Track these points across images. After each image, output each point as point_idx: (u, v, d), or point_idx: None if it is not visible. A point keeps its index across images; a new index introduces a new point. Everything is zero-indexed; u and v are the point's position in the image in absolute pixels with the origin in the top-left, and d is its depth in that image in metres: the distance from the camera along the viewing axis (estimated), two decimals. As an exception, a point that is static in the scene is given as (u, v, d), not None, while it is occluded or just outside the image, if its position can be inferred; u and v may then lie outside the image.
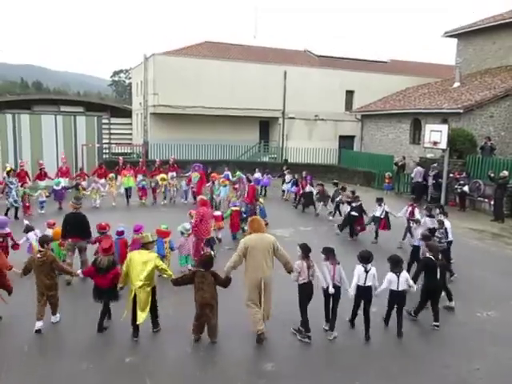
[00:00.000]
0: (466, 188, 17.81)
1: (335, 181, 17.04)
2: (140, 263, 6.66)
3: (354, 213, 13.02)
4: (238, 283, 7.05)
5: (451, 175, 18.48)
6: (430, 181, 18.85)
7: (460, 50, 27.85)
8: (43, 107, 30.67)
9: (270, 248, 6.84)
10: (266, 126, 32.76)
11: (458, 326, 7.74)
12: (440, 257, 7.73)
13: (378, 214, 12.60)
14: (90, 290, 7.35)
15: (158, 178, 17.73)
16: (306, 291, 6.84)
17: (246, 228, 12.87)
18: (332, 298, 7.09)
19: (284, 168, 20.57)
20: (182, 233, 9.71)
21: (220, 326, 6.92)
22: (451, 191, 18.49)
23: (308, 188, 16.72)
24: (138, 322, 6.67)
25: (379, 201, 12.73)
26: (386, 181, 21.59)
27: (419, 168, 19.28)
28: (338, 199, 14.96)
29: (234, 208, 12.72)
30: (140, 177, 17.88)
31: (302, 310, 6.93)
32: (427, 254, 7.67)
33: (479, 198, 17.74)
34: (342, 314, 7.36)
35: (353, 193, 14.83)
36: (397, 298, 7.22)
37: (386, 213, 12.54)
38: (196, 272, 6.72)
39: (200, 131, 28.88)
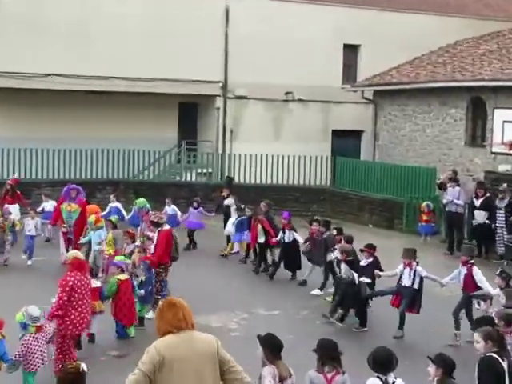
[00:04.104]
0: None
1: (326, 219, 18.00)
2: None
3: (365, 278, 13.91)
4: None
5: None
6: (501, 217, 19.63)
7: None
8: None
9: (211, 362, 6.61)
10: (191, 112, 32.89)
11: None
12: None
13: (407, 281, 13.34)
14: None
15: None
16: None
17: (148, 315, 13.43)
18: None
19: (224, 194, 21.36)
20: (25, 325, 9.90)
21: None
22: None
23: (287, 235, 17.49)
24: None
25: (408, 256, 13.44)
26: (424, 217, 22.15)
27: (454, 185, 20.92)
28: (332, 256, 15.60)
29: (120, 276, 12.99)
30: None
31: None
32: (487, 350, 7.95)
33: None
34: None
35: (339, 231, 16.26)
36: None
37: (421, 279, 13.34)
38: None
39: (68, 123, 28.64)
